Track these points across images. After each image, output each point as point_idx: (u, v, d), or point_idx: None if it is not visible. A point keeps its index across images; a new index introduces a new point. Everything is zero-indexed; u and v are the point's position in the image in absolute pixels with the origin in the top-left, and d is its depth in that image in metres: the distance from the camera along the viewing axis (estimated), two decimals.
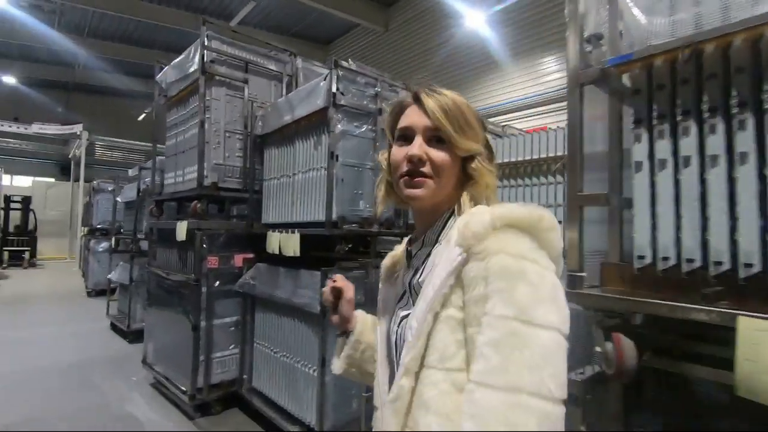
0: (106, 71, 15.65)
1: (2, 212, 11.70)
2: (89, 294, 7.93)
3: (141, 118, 17.09)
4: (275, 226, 3.01)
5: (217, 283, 3.10)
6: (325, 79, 2.49)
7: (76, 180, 14.56)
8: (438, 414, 0.62)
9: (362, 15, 12.60)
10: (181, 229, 3.09)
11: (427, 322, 0.66)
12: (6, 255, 12.05)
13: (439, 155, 0.74)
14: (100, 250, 7.88)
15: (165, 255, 3.55)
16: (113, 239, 5.65)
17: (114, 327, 5.48)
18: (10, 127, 11.75)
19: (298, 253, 2.58)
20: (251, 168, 3.23)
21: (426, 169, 0.74)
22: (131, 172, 7.07)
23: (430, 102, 0.75)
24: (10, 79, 14.12)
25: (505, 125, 4.80)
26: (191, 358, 3.09)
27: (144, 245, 5.21)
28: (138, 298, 4.99)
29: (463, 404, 0.60)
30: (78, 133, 11.88)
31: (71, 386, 3.65)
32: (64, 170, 17.06)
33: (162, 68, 3.73)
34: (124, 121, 17.22)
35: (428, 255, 0.76)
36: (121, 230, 6.90)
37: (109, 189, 7.96)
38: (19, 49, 14.07)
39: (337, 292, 0.94)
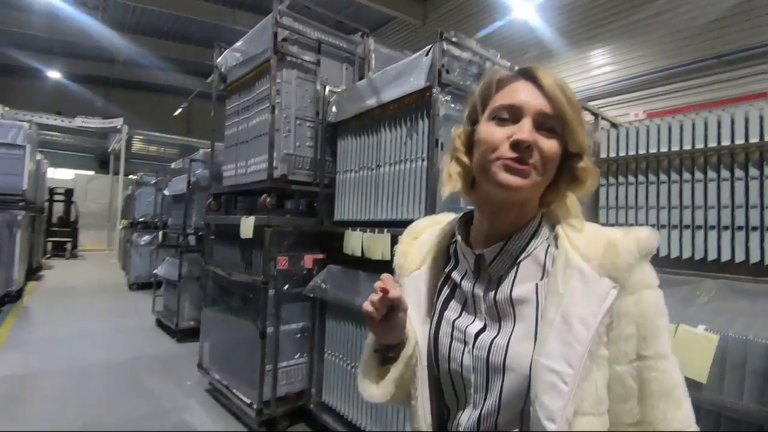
0: (144, 67, 15.83)
1: (46, 204, 11.85)
2: (131, 287, 7.85)
3: (177, 112, 17.23)
4: (350, 224, 2.67)
5: (286, 286, 2.78)
6: (427, 54, 2.12)
7: (115, 173, 14.75)
8: None
9: (399, 7, 12.20)
10: (248, 226, 2.78)
11: (587, 367, 0.58)
12: (50, 245, 12.23)
13: (551, 146, 0.63)
14: (142, 243, 7.78)
15: (225, 253, 3.26)
16: (160, 233, 5.45)
17: (160, 324, 5.29)
18: (54, 120, 11.88)
19: (388, 257, 2.22)
20: (322, 159, 2.90)
21: (534, 159, 0.63)
22: (174, 165, 6.91)
23: (548, 79, 0.64)
24: (54, 74, 14.36)
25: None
26: (257, 367, 2.79)
27: (192, 240, 4.99)
28: (186, 296, 4.77)
29: None
30: (118, 126, 11.92)
31: (123, 389, 3.42)
32: (102, 164, 17.40)
33: (222, 51, 3.43)
34: (160, 116, 17.42)
35: (515, 264, 0.67)
36: (167, 224, 6.76)
37: (152, 182, 7.85)
38: (62, 45, 14.30)
39: (390, 302, 0.68)
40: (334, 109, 2.84)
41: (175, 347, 4.57)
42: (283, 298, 2.81)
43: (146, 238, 7.79)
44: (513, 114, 0.64)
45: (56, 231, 12.61)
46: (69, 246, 12.58)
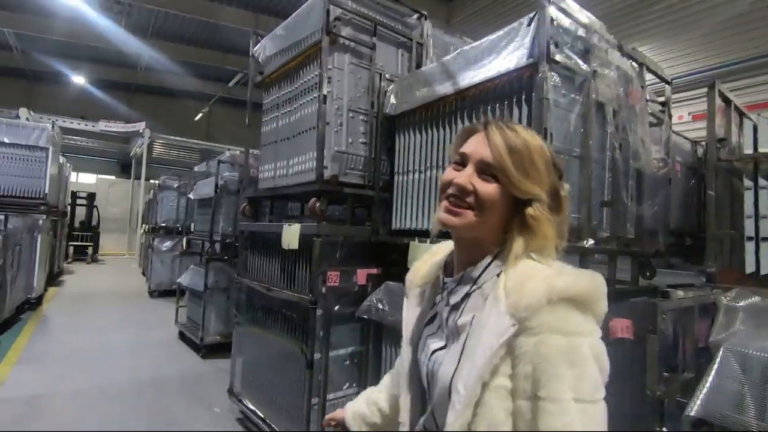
0: (165, 72, 15.80)
1: (69, 208, 11.71)
2: (151, 294, 7.54)
3: (198, 117, 17.16)
4: (410, 234, 2.24)
5: (337, 306, 2.36)
6: (529, 24, 1.68)
7: (137, 178, 14.66)
8: None
9: (421, 7, 11.89)
10: (292, 235, 2.36)
11: (475, 392, 0.63)
12: (71, 250, 12.08)
13: (486, 189, 0.71)
14: (164, 249, 7.48)
15: (261, 264, 2.85)
16: (184, 240, 5.10)
17: (183, 336, 4.91)
18: (78, 124, 11.78)
19: None
20: (378, 158, 2.47)
21: (470, 200, 0.71)
22: (198, 168, 6.60)
23: (496, 136, 0.72)
24: (79, 79, 14.35)
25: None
26: (301, 399, 2.36)
27: (218, 248, 4.62)
28: (212, 308, 4.39)
29: None
30: (141, 130, 11.77)
31: (145, 416, 3.03)
32: (124, 168, 17.37)
33: (259, 39, 3.06)
34: (180, 121, 17.36)
35: (467, 295, 0.74)
36: (191, 230, 6.43)
37: (175, 186, 7.56)
38: (86, 50, 14.32)
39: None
40: (392, 99, 2.42)
41: (201, 365, 4.17)
42: (333, 320, 2.38)
43: (168, 243, 7.49)
44: (463, 160, 0.75)
45: (78, 235, 12.46)
46: (90, 250, 12.43)
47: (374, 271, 2.42)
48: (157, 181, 8.93)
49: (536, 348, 0.61)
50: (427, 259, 0.89)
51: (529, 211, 0.70)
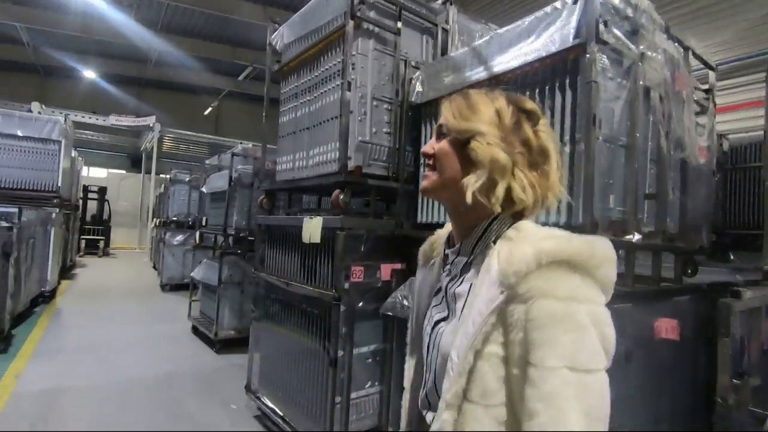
0: (175, 66, 15.77)
1: (81, 201, 11.76)
2: (163, 288, 7.52)
3: (207, 111, 17.13)
4: (439, 228, 2.13)
5: (361, 302, 2.26)
6: (575, 2, 1.56)
7: (147, 172, 14.69)
8: None
9: None
10: (314, 228, 2.27)
11: (468, 360, 0.63)
12: (83, 243, 12.15)
13: (438, 146, 0.73)
14: (175, 243, 7.45)
15: (281, 259, 2.77)
16: (197, 234, 5.04)
17: (197, 331, 4.87)
18: (89, 118, 11.79)
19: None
20: (402, 148, 2.37)
21: (431, 162, 0.74)
22: (210, 161, 6.54)
23: (445, 101, 0.76)
24: (90, 74, 14.36)
25: None
26: (322, 398, 2.29)
27: (231, 242, 4.55)
28: (226, 303, 4.33)
29: None
30: (151, 124, 11.75)
31: (161, 413, 2.97)
32: (134, 163, 17.44)
33: (276, 27, 2.95)
34: (189, 116, 17.35)
35: (466, 264, 0.74)
36: (204, 224, 6.40)
37: (186, 180, 7.52)
38: (97, 45, 14.32)
39: None
40: (417, 87, 2.31)
41: (215, 360, 4.12)
42: (357, 316, 2.29)
43: (179, 237, 7.46)
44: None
45: (90, 229, 12.52)
46: (102, 244, 12.49)
47: (398, 266, 2.33)
48: (167, 176, 8.90)
49: (527, 314, 0.58)
50: (439, 233, 0.88)
51: (470, 145, 0.68)
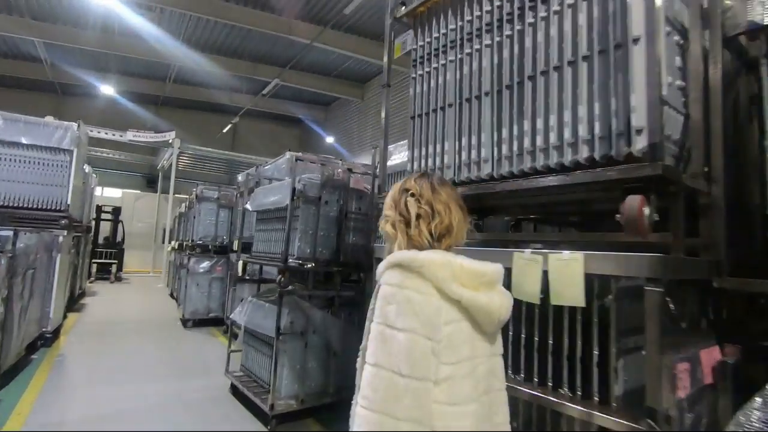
0: (194, 84, 15.06)
1: (93, 223, 10.68)
2: (185, 324, 6.29)
3: (225, 129, 16.32)
4: None
5: None
6: None
7: (163, 192, 13.68)
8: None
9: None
10: (577, 275, 1.09)
11: (366, 325, 1.02)
12: (94, 267, 10.98)
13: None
14: (201, 270, 6.28)
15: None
16: (239, 263, 3.86)
17: (236, 391, 3.63)
18: (106, 134, 10.84)
19: None
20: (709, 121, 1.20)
21: None
22: (242, 177, 5.43)
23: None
24: (107, 89, 13.56)
25: None
26: None
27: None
28: (286, 360, 3.11)
29: None
30: (170, 140, 10.77)
31: None
32: (150, 183, 16.50)
33: None
34: (206, 134, 16.57)
35: None
36: (233, 248, 5.26)
37: (215, 197, 6.40)
38: (115, 62, 13.62)
39: None
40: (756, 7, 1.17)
41: None
42: None
43: (205, 264, 6.29)
44: None
45: (102, 252, 11.38)
46: (114, 268, 11.32)
47: (721, 353, 1.13)
48: (188, 195, 7.82)
49: (378, 293, 0.99)
50: None
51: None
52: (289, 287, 3.14)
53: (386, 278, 0.96)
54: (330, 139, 16.08)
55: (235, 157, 12.97)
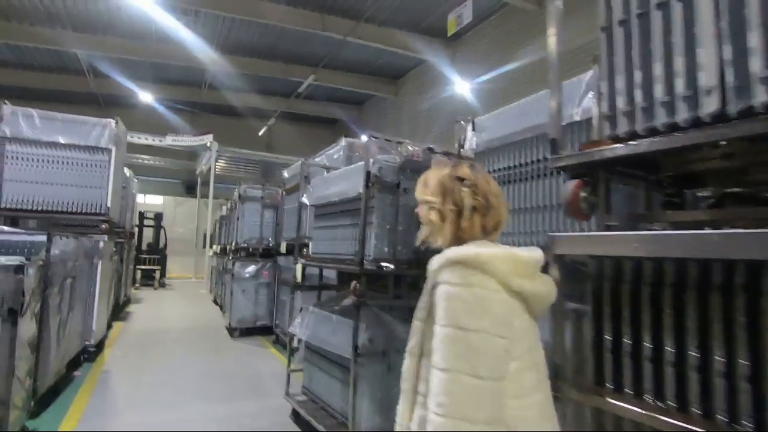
0: (229, 88, 14.90)
1: (136, 229, 10.56)
2: (232, 333, 5.82)
3: (262, 132, 16.16)
4: None
5: None
6: None
7: (202, 197, 13.56)
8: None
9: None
10: None
11: (416, 325, 1.02)
12: (139, 274, 10.87)
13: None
14: (247, 275, 5.78)
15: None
16: (299, 267, 3.26)
17: (298, 417, 3.03)
18: (146, 139, 10.73)
19: None
20: None
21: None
22: (288, 173, 4.88)
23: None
24: (146, 96, 13.59)
25: None
26: None
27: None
28: (366, 386, 2.46)
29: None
30: (208, 144, 10.52)
31: None
32: (189, 189, 16.52)
33: None
34: (241, 139, 16.40)
35: None
36: (280, 251, 4.71)
37: (259, 196, 5.91)
38: (152, 70, 13.62)
39: None
40: None
41: None
42: None
43: (251, 269, 5.80)
44: None
45: (145, 258, 11.27)
46: (158, 274, 11.19)
47: None
48: (224, 200, 7.42)
49: (438, 294, 0.92)
50: None
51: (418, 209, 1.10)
52: (363, 296, 2.49)
53: (447, 277, 0.91)
54: (365, 138, 15.51)
55: (272, 159, 12.65)
